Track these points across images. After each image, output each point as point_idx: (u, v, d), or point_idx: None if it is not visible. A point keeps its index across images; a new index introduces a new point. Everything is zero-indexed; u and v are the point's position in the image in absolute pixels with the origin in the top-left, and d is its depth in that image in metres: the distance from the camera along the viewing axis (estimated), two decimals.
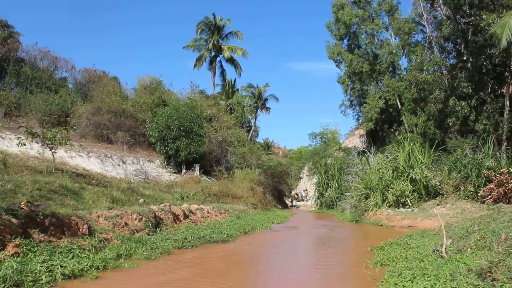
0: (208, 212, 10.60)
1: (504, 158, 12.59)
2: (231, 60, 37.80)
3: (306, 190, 38.30)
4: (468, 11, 18.76)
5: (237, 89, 39.92)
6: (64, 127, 11.39)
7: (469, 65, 19.23)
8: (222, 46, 36.96)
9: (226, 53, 36.68)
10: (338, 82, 29.97)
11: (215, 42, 36.41)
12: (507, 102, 17.17)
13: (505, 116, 16.96)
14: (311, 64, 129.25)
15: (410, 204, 12.50)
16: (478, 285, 3.10)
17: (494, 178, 10.42)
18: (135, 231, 6.55)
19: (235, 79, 39.52)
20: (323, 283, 4.11)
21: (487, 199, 10.39)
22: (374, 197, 13.81)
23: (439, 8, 21.63)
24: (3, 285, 3.20)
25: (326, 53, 29.82)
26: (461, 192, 11.82)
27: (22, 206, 4.84)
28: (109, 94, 23.53)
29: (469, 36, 19.07)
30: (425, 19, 23.57)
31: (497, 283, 3.05)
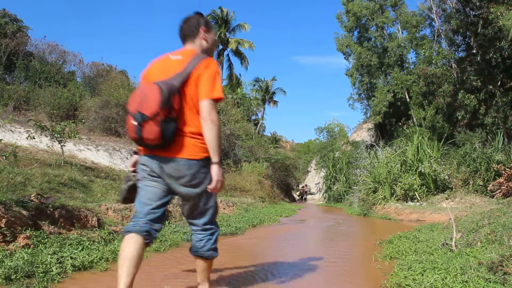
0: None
1: None
2: (238, 53, 37.77)
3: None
4: (478, 4, 18.57)
5: (244, 83, 39.90)
6: (73, 121, 11.45)
7: (478, 58, 19.08)
8: (229, 39, 36.92)
9: (233, 46, 36.63)
10: (346, 75, 29.87)
11: (222, 35, 36.35)
12: None
13: None
14: (318, 57, 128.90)
15: (419, 198, 12.45)
16: (489, 278, 3.07)
17: (503, 172, 10.33)
18: None
19: (239, 73, 39.45)
20: (332, 276, 4.10)
21: (497, 193, 10.31)
22: (382, 191, 13.77)
23: (448, 1, 21.43)
24: (15, 275, 3.22)
25: (333, 46, 29.75)
26: (470, 186, 11.75)
27: (32, 198, 4.87)
28: (117, 87, 23.58)
29: (479, 29, 18.90)
30: (434, 12, 23.36)
31: (509, 276, 3.02)
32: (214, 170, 2.63)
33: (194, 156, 2.59)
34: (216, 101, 2.62)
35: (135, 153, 2.88)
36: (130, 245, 2.56)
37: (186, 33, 2.85)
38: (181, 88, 2.55)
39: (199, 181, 2.64)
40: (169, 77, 2.57)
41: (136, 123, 2.45)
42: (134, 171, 2.88)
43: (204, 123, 2.57)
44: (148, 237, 2.62)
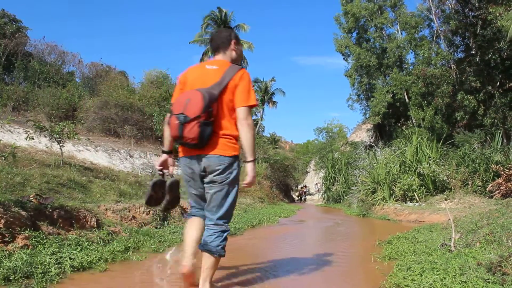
0: None
1: None
2: None
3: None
4: (476, 5, 18.58)
5: None
6: (72, 121, 11.45)
7: (477, 59, 19.07)
8: None
9: None
10: (345, 76, 29.85)
11: None
12: None
13: None
14: (317, 58, 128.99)
15: (418, 199, 12.45)
16: (488, 279, 3.07)
17: (502, 172, 10.34)
18: (142, 224, 6.57)
19: None
20: (331, 276, 4.10)
21: (496, 194, 10.32)
22: (381, 192, 13.77)
23: (447, 2, 21.44)
24: (14, 276, 3.22)
25: (332, 46, 29.79)
26: (469, 186, 11.76)
27: (31, 199, 4.87)
28: (116, 88, 23.58)
29: (478, 30, 18.90)
30: (433, 13, 23.36)
31: (508, 277, 3.03)
32: (250, 167, 3.03)
33: (225, 153, 2.95)
34: (251, 107, 3.01)
35: (164, 152, 3.23)
36: (194, 225, 3.16)
37: (219, 45, 3.21)
38: (219, 96, 2.93)
39: (226, 175, 2.98)
40: (209, 85, 2.95)
41: (178, 123, 2.83)
42: (160, 170, 3.26)
43: (241, 127, 2.95)
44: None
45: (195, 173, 3.04)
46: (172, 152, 3.27)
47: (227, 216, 3.08)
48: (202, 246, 3.00)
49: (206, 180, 3.02)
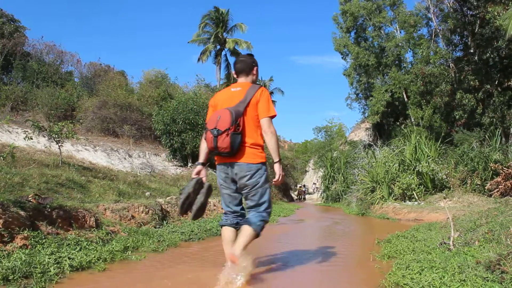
0: (214, 205, 10.63)
1: (511, 151, 12.51)
2: (236, 54, 37.71)
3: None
4: (475, 3, 18.58)
5: None
6: (71, 121, 11.43)
7: (475, 58, 19.08)
8: (227, 39, 36.82)
9: (231, 46, 36.54)
10: (344, 75, 29.87)
11: (219, 35, 36.24)
12: None
13: None
14: (316, 57, 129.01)
15: (417, 197, 12.46)
16: (487, 277, 3.08)
17: (501, 171, 10.34)
18: (142, 223, 6.57)
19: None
20: (330, 276, 4.11)
21: (494, 192, 10.32)
22: (380, 190, 13.78)
23: (446, 1, 21.44)
24: (12, 276, 3.21)
25: (331, 46, 29.78)
26: (468, 185, 11.76)
27: (29, 198, 4.86)
28: (115, 88, 23.56)
29: (476, 29, 18.90)
30: (431, 12, 23.35)
31: (506, 275, 3.03)
32: (277, 167, 3.63)
33: (253, 161, 3.53)
34: (272, 117, 3.58)
35: (198, 163, 3.77)
36: (227, 233, 3.65)
37: (244, 69, 3.78)
38: (244, 111, 3.49)
39: (256, 179, 3.54)
40: (235, 104, 3.52)
41: (213, 136, 3.40)
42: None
43: (266, 135, 3.54)
44: (237, 226, 3.66)
45: (228, 177, 3.61)
46: (205, 164, 3.81)
47: (266, 210, 3.67)
48: (244, 221, 3.61)
49: (239, 185, 3.60)
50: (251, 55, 3.92)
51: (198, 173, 3.75)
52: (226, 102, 3.61)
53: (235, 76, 3.87)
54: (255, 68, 3.82)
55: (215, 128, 3.39)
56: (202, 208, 3.68)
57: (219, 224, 3.82)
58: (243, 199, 3.79)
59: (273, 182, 3.64)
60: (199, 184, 3.68)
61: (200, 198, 3.63)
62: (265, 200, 3.63)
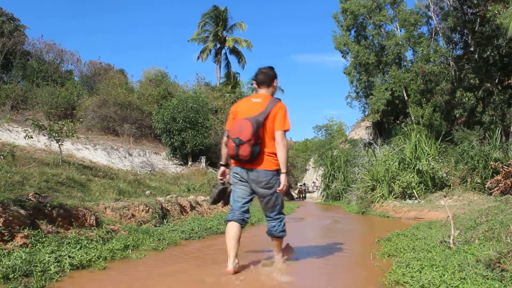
0: None
1: None
2: (236, 52, 37.65)
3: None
4: (475, 2, 18.55)
5: (241, 82, 39.77)
6: (71, 120, 11.45)
7: (476, 56, 19.05)
8: (227, 38, 36.78)
9: (230, 45, 36.49)
10: (344, 73, 29.79)
11: (219, 33, 36.19)
12: None
13: None
14: (316, 56, 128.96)
15: (417, 196, 12.47)
16: (487, 275, 3.08)
17: (501, 169, 10.34)
18: (142, 222, 6.56)
19: (237, 72, 39.33)
20: (330, 274, 4.11)
21: (494, 191, 10.32)
22: (381, 189, 13.78)
23: None
24: (13, 275, 3.21)
25: (331, 44, 29.74)
26: (468, 183, 11.76)
27: (30, 197, 4.86)
28: (115, 86, 23.56)
29: (476, 27, 18.87)
30: (432, 10, 23.32)
31: (506, 273, 3.03)
32: (283, 177, 3.86)
33: (269, 168, 3.84)
34: (286, 131, 3.87)
35: (221, 165, 4.14)
36: (233, 228, 3.86)
37: (265, 81, 4.07)
38: (263, 122, 3.79)
39: (272, 185, 3.87)
40: (256, 114, 3.80)
41: (235, 145, 3.71)
42: (221, 179, 4.18)
43: (278, 146, 3.82)
44: (242, 223, 3.92)
45: (243, 178, 3.91)
46: (228, 165, 4.15)
47: (280, 212, 4.06)
48: (269, 233, 4.07)
49: (256, 190, 3.92)
50: (272, 68, 4.17)
51: (223, 173, 4.16)
52: (246, 112, 3.88)
53: (255, 86, 4.16)
54: (275, 81, 4.12)
55: (238, 138, 3.70)
56: (229, 201, 4.21)
57: (225, 220, 4.00)
58: (262, 206, 4.12)
59: (277, 190, 3.90)
60: (222, 191, 4.24)
61: (226, 199, 4.28)
62: (279, 202, 4.01)
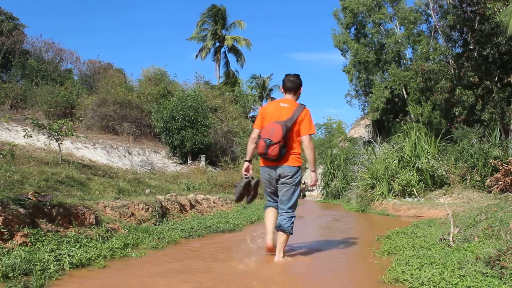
0: (214, 202, 10.64)
1: (511, 147, 12.50)
2: (235, 51, 37.62)
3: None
4: (474, 0, 18.54)
5: (241, 80, 39.74)
6: (70, 119, 11.46)
7: (475, 54, 19.05)
8: (226, 37, 36.76)
9: (229, 43, 36.48)
10: (344, 72, 29.80)
11: (218, 32, 36.17)
12: None
13: None
14: (315, 54, 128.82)
15: (416, 194, 12.48)
16: (487, 273, 3.08)
17: (501, 167, 10.35)
18: (141, 221, 6.56)
19: (236, 70, 39.28)
20: (330, 272, 4.11)
21: (494, 189, 10.33)
22: (380, 187, 13.78)
23: None
24: (12, 273, 3.21)
25: (330, 42, 29.78)
26: (468, 181, 11.77)
27: (29, 196, 4.86)
28: (114, 85, 23.52)
29: (476, 25, 18.86)
30: (431, 8, 23.31)
31: (506, 270, 3.03)
32: (313, 175, 4.57)
33: (293, 164, 4.34)
34: (311, 135, 4.40)
35: (246, 161, 4.60)
36: (271, 212, 4.58)
37: (293, 88, 4.53)
38: (290, 127, 4.25)
39: (294, 179, 4.36)
40: (285, 119, 4.27)
41: (265, 144, 4.17)
42: (246, 174, 4.60)
43: (306, 149, 4.37)
44: (277, 206, 4.51)
45: (272, 178, 4.42)
46: (251, 161, 4.61)
47: (293, 206, 4.45)
48: (278, 227, 4.34)
49: (279, 182, 4.37)
50: (298, 76, 4.58)
51: (247, 169, 4.60)
52: (274, 115, 4.36)
53: (282, 91, 4.63)
54: (301, 88, 4.59)
55: (268, 139, 4.16)
56: (254, 196, 4.80)
57: (264, 207, 4.70)
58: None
59: (310, 185, 4.66)
60: (247, 184, 4.62)
61: (251, 193, 4.72)
62: (295, 196, 4.44)
